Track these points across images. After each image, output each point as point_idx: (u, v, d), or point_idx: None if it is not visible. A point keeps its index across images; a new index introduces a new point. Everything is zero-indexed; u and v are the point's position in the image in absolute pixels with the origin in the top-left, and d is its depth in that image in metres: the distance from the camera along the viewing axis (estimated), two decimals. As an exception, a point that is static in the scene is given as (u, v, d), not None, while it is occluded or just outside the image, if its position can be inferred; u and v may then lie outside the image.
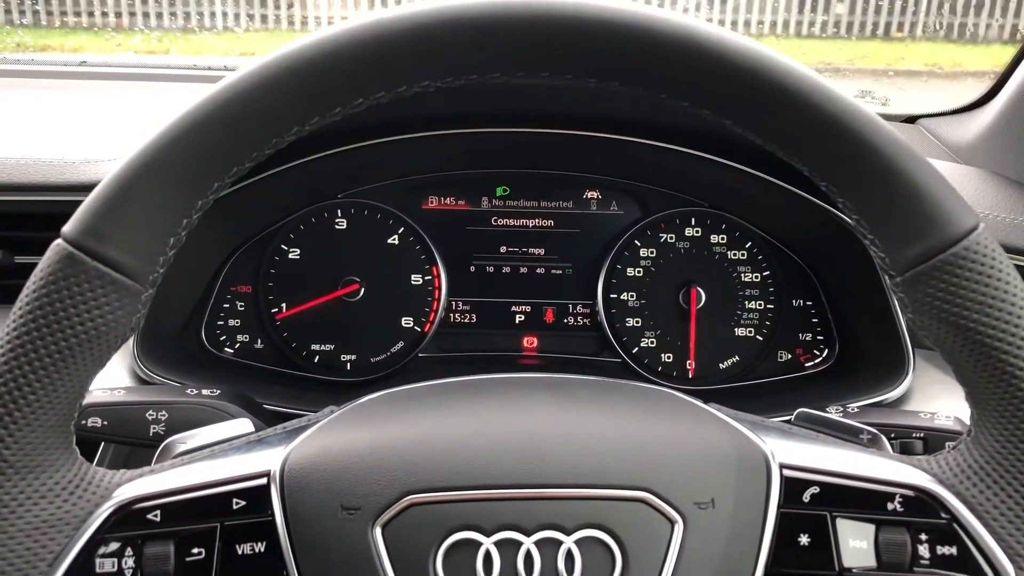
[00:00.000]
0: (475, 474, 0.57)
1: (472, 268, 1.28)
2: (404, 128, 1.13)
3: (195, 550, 0.57)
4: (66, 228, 0.53)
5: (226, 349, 1.25)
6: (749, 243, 1.26)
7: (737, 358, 1.26)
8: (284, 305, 1.25)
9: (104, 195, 0.53)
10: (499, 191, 1.28)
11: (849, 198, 0.55)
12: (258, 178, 1.09)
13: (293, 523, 0.57)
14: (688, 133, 1.13)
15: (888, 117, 1.60)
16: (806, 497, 0.59)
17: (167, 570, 0.56)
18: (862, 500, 0.59)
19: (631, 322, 1.27)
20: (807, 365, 1.26)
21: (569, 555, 0.56)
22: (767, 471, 0.60)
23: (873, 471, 0.60)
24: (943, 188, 0.54)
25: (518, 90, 1.10)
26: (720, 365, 1.26)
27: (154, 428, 0.86)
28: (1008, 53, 1.38)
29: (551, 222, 1.28)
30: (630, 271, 1.27)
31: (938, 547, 0.58)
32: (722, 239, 1.26)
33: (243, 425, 0.68)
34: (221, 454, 0.62)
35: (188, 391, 0.90)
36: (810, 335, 1.26)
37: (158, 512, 0.57)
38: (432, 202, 1.27)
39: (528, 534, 0.56)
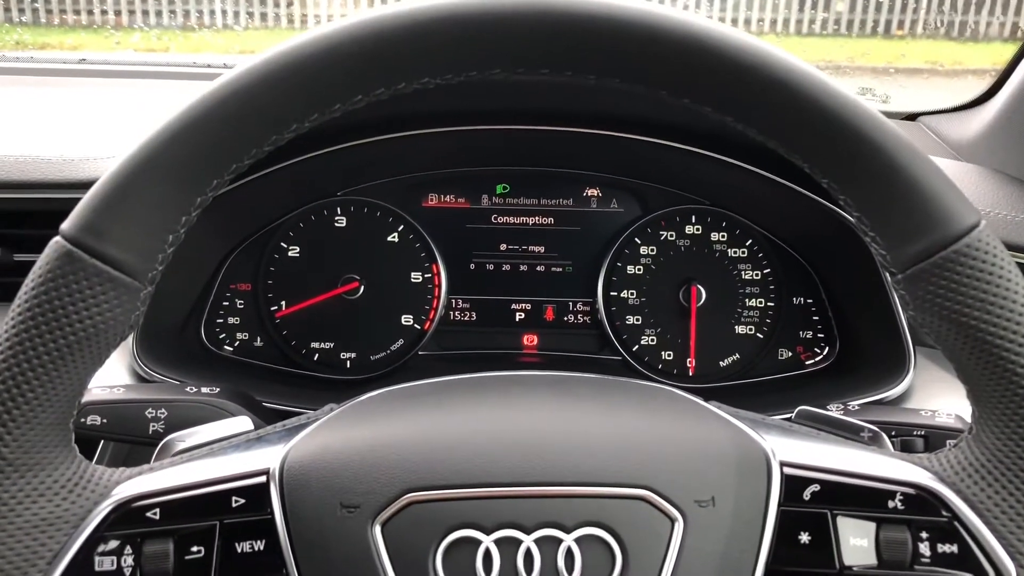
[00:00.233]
0: (475, 472, 0.57)
1: (472, 266, 1.28)
2: (404, 125, 1.13)
3: (194, 548, 0.56)
4: (65, 225, 0.53)
5: (225, 347, 1.24)
6: (749, 241, 1.26)
7: (737, 356, 1.26)
8: (284, 303, 1.25)
9: (103, 192, 0.53)
10: (499, 189, 1.28)
11: (850, 195, 0.55)
12: (257, 175, 1.09)
13: (293, 521, 0.57)
14: (689, 130, 1.13)
15: (889, 115, 1.59)
16: (807, 495, 0.59)
17: (166, 568, 0.56)
18: (863, 498, 0.59)
19: (631, 320, 1.26)
20: (807, 363, 1.26)
21: (569, 553, 0.55)
22: (767, 469, 0.60)
23: (874, 469, 0.60)
24: (944, 185, 0.53)
25: (518, 87, 1.10)
26: (720, 363, 1.26)
27: (153, 426, 0.86)
28: (1008, 51, 1.38)
29: (551, 220, 1.28)
30: (630, 269, 1.26)
31: (939, 545, 0.58)
32: (722, 237, 1.26)
33: (242, 423, 0.68)
34: (220, 452, 0.62)
35: (187, 389, 0.90)
36: (811, 333, 1.26)
37: (157, 510, 0.57)
38: (432, 200, 1.27)
39: (528, 532, 0.56)
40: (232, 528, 0.57)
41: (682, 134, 1.14)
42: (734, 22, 1.98)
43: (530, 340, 1.29)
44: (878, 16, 2.04)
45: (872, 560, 0.58)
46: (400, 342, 1.26)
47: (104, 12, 2.02)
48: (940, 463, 0.60)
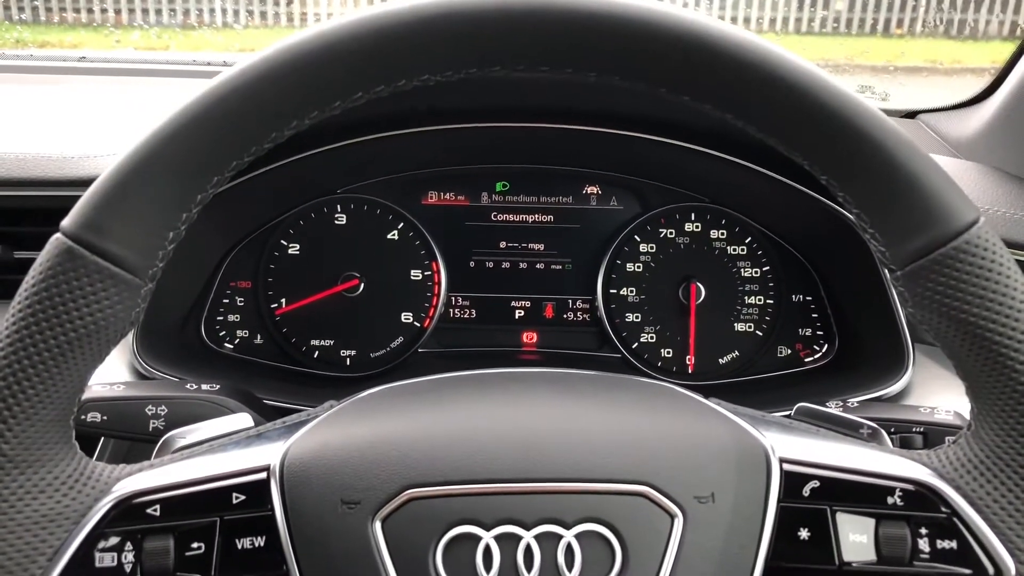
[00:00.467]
0: (475, 468, 0.57)
1: (472, 263, 1.28)
2: (403, 123, 1.13)
3: (195, 544, 0.57)
4: (65, 222, 0.53)
5: (226, 344, 1.24)
6: (749, 238, 1.26)
7: (737, 353, 1.26)
8: (284, 300, 1.25)
9: (103, 189, 0.53)
10: (499, 186, 1.28)
11: (850, 192, 0.55)
12: (257, 173, 1.09)
13: (293, 517, 0.57)
14: (688, 128, 1.13)
15: (888, 112, 1.59)
16: (806, 491, 0.59)
17: (167, 564, 0.56)
18: (862, 494, 0.59)
19: (631, 317, 1.27)
20: (807, 360, 1.26)
21: (569, 549, 0.55)
22: (767, 465, 0.60)
23: (873, 465, 0.60)
24: (944, 182, 0.53)
25: (518, 84, 1.10)
26: (720, 360, 1.26)
27: (153, 423, 0.86)
28: (1007, 49, 1.38)
29: (551, 217, 1.28)
30: (630, 266, 1.26)
31: (938, 541, 0.58)
32: (722, 234, 1.26)
33: (242, 420, 0.68)
34: (220, 449, 0.62)
35: (187, 386, 0.90)
36: (810, 330, 1.26)
37: (158, 506, 0.57)
38: (432, 197, 1.27)
39: (528, 528, 0.56)
40: (232, 524, 0.57)
41: (682, 132, 1.14)
42: (733, 20, 1.98)
43: (529, 338, 1.29)
44: (877, 15, 2.03)
45: (871, 556, 0.58)
46: (400, 339, 1.26)
47: (104, 10, 2.02)
48: (939, 459, 0.60)
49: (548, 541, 0.56)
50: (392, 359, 1.26)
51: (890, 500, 0.59)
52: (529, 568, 0.55)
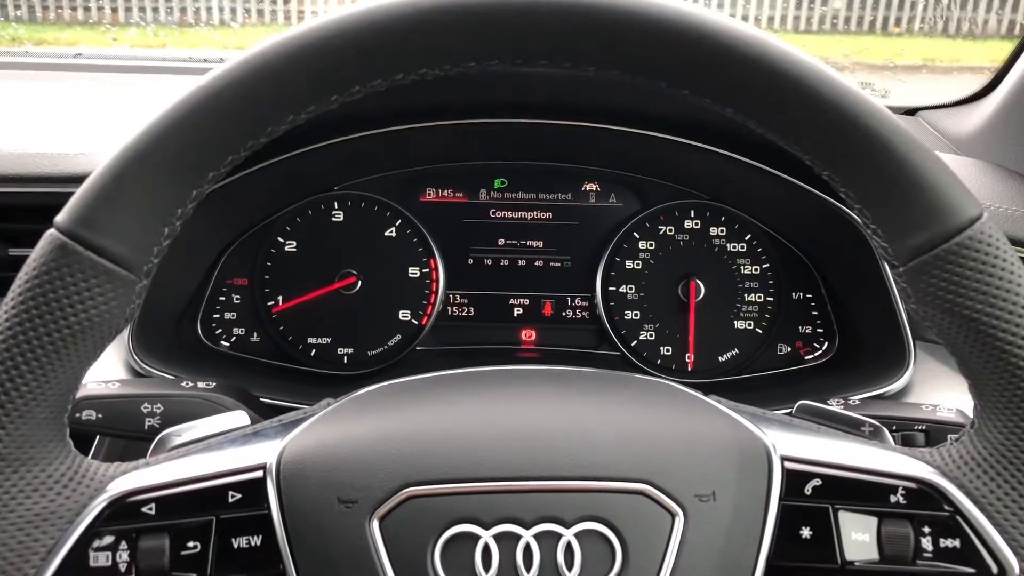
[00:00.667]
0: (474, 466, 0.57)
1: (470, 261, 1.28)
2: (401, 119, 1.12)
3: (190, 543, 0.56)
4: (59, 218, 0.53)
5: (222, 342, 1.24)
6: (749, 235, 1.25)
7: (736, 351, 1.25)
8: (280, 298, 1.24)
9: (98, 184, 0.52)
10: (497, 183, 1.27)
11: (851, 187, 0.55)
12: (253, 169, 1.08)
13: (289, 516, 0.56)
14: (688, 124, 1.13)
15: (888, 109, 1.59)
16: (808, 489, 0.59)
17: (162, 563, 0.55)
18: (864, 492, 0.59)
19: (630, 315, 1.26)
20: (807, 358, 1.26)
21: (569, 548, 0.55)
22: (768, 463, 0.59)
23: (875, 463, 0.59)
24: (946, 177, 0.53)
25: (517, 80, 1.10)
26: (719, 358, 1.26)
27: (149, 421, 0.85)
28: (1006, 48, 1.37)
29: (549, 214, 1.28)
30: (629, 264, 1.26)
31: (941, 539, 0.57)
32: (721, 231, 1.26)
33: (239, 418, 0.67)
34: (217, 447, 0.61)
35: (183, 384, 0.90)
36: (810, 328, 1.26)
37: (153, 505, 0.56)
38: (429, 194, 1.27)
39: (527, 527, 0.55)
40: (228, 523, 0.57)
41: (682, 128, 1.13)
42: (732, 18, 1.97)
43: (528, 335, 1.29)
44: (875, 13, 2.03)
45: (874, 555, 0.58)
46: (397, 337, 1.25)
47: (100, 8, 2.01)
48: (942, 457, 0.59)
49: (547, 540, 0.55)
50: (390, 357, 1.25)
51: (893, 498, 0.58)
52: (528, 567, 0.55)
